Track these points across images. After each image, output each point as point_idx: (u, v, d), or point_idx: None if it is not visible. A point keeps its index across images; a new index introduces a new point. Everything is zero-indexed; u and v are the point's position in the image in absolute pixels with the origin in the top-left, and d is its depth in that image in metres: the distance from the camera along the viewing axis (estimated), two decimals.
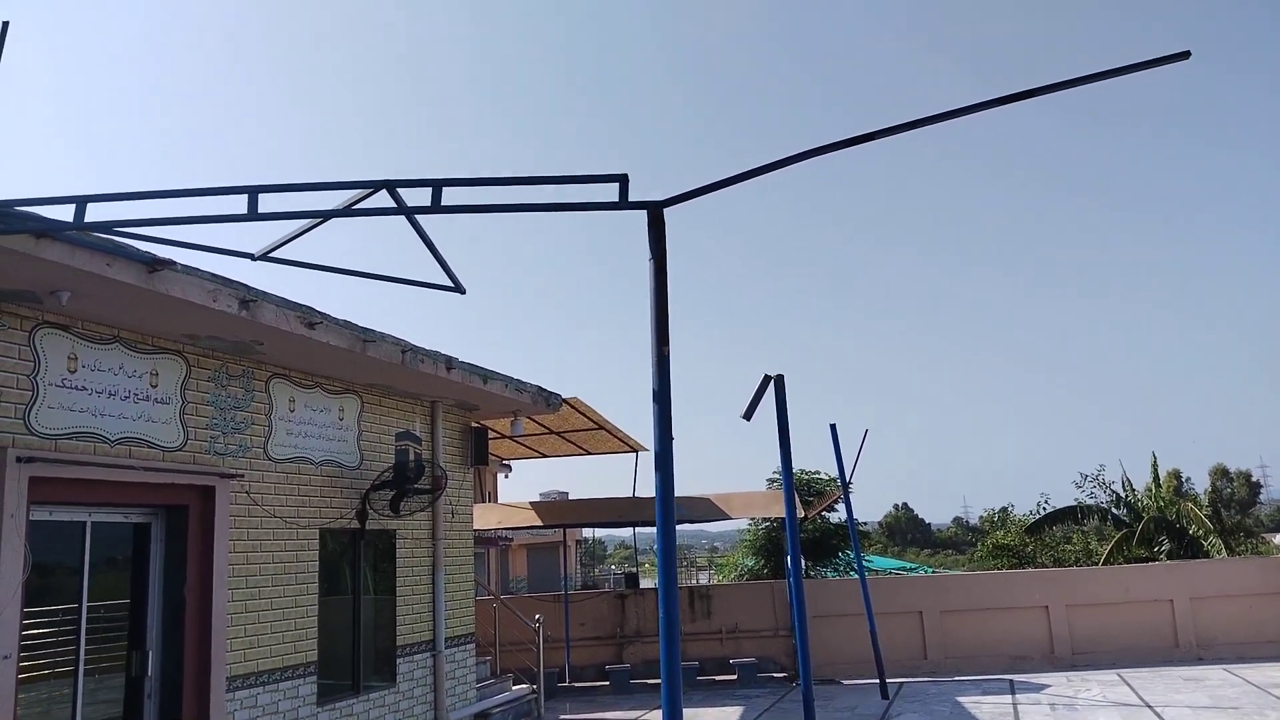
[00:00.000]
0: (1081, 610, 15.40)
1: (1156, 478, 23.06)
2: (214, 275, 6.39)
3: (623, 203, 3.63)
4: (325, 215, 4.03)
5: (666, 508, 3.66)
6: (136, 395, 6.84)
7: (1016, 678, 14.29)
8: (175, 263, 5.96)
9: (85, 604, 6.55)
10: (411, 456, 9.95)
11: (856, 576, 14.55)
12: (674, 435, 3.72)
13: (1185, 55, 3.19)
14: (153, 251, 5.74)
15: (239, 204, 3.89)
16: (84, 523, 6.66)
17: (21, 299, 5.91)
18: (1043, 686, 13.31)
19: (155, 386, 7.01)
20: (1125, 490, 23.17)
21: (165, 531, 7.29)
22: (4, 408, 5.92)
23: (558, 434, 15.17)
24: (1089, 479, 23.55)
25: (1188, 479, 27.83)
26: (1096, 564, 20.83)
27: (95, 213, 3.97)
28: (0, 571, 5.69)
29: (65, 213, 4.06)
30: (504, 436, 14.10)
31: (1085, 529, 24.47)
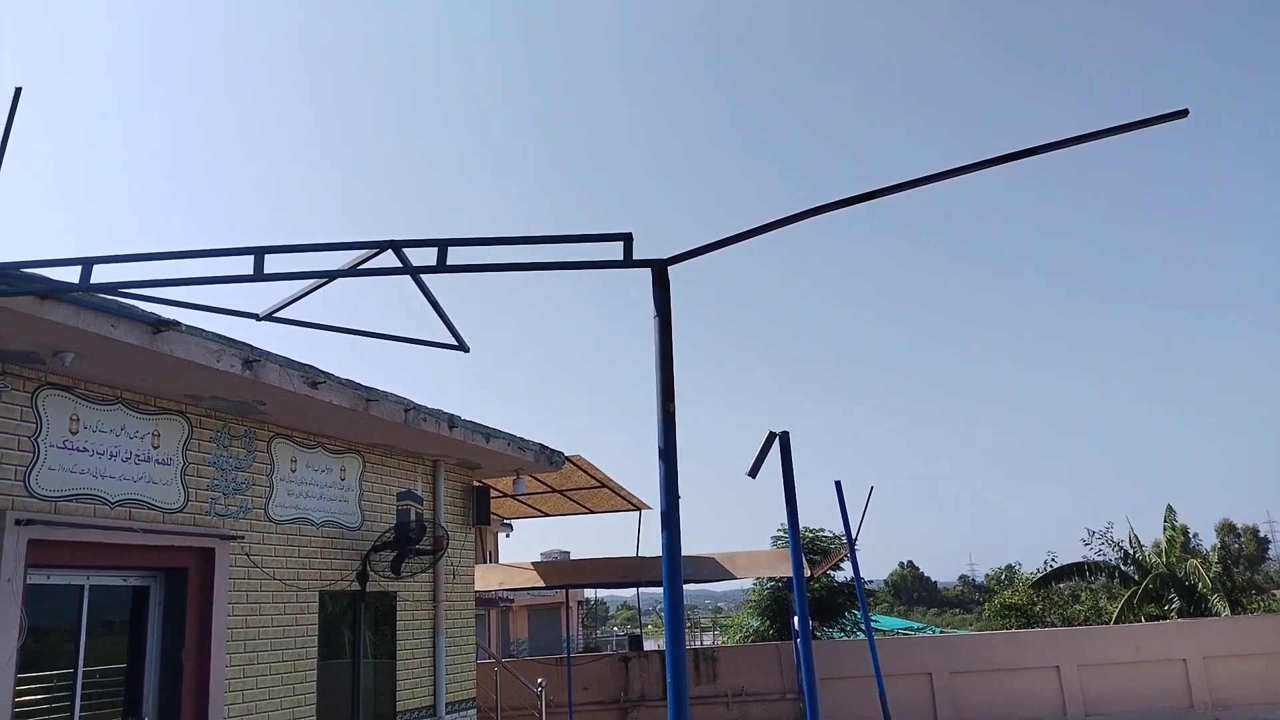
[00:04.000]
0: (1094, 670, 15.12)
1: (1172, 530, 22.70)
2: (218, 335, 6.40)
3: (627, 261, 3.63)
4: (331, 275, 4.03)
5: (674, 567, 3.59)
6: (138, 456, 6.80)
7: None
8: (179, 323, 5.97)
9: (81, 669, 6.43)
10: (413, 516, 9.87)
11: (864, 637, 14.31)
12: (680, 493, 3.66)
13: (1184, 113, 3.20)
14: (157, 312, 5.75)
15: (245, 265, 3.89)
16: (82, 586, 6.57)
17: (25, 360, 5.91)
18: None
19: (157, 447, 6.98)
20: (1134, 547, 22.91)
21: (164, 594, 7.20)
22: (4, 470, 5.89)
23: (560, 492, 15.06)
24: (1097, 536, 23.33)
25: (1195, 535, 27.58)
26: (1107, 622, 20.51)
27: (100, 274, 3.98)
28: None
29: (71, 274, 4.07)
30: (506, 495, 14.00)
31: (1094, 586, 24.16)
